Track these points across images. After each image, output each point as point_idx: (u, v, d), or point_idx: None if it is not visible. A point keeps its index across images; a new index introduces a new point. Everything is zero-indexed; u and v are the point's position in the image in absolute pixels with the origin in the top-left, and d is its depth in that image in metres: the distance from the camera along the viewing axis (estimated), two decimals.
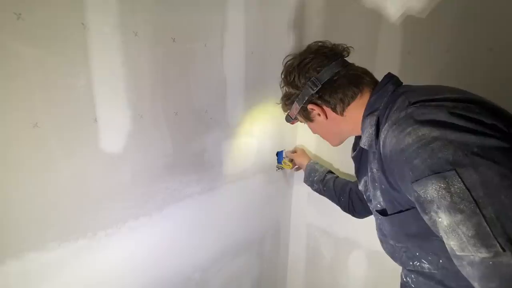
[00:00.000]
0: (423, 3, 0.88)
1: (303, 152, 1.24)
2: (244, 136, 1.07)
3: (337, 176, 1.08)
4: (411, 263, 0.64)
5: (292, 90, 0.71)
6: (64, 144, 0.65)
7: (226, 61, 0.94)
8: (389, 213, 0.62)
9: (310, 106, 0.69)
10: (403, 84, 0.64)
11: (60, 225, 0.68)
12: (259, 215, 1.23)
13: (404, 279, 0.70)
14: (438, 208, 0.43)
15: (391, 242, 0.67)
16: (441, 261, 0.58)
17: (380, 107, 0.59)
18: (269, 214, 1.29)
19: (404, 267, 0.68)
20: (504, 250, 0.38)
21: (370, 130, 0.61)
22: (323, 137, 0.79)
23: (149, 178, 0.82)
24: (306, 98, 0.68)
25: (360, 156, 0.72)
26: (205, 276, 1.05)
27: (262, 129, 1.14)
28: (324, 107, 0.68)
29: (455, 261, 0.44)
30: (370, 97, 0.64)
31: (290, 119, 0.78)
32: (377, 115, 0.59)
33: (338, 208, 1.03)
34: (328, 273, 1.28)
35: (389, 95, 0.59)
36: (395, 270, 0.72)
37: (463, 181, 0.40)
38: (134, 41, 0.72)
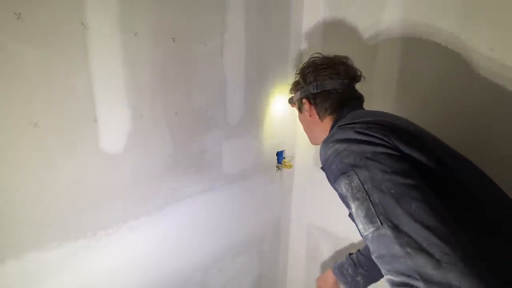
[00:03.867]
0: (423, 3, 0.88)
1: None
2: (244, 136, 1.07)
3: (358, 250, 1.01)
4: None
5: (301, 82, 0.87)
6: (64, 144, 0.65)
7: (226, 61, 0.94)
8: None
9: (304, 100, 0.85)
10: (360, 109, 0.80)
11: (60, 224, 0.68)
12: (259, 215, 1.23)
13: None
14: (349, 200, 0.55)
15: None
16: None
17: None
18: (269, 214, 1.29)
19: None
20: (382, 224, 0.49)
21: None
22: (305, 130, 0.93)
23: (149, 178, 0.82)
24: (306, 93, 0.84)
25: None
26: (205, 275, 1.05)
27: (262, 129, 1.14)
28: (313, 107, 0.83)
29: (366, 243, 0.54)
30: (336, 117, 0.80)
31: (291, 102, 0.95)
32: None
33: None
34: None
35: (341, 118, 0.77)
36: None
37: (358, 178, 0.54)
38: (134, 41, 0.72)
